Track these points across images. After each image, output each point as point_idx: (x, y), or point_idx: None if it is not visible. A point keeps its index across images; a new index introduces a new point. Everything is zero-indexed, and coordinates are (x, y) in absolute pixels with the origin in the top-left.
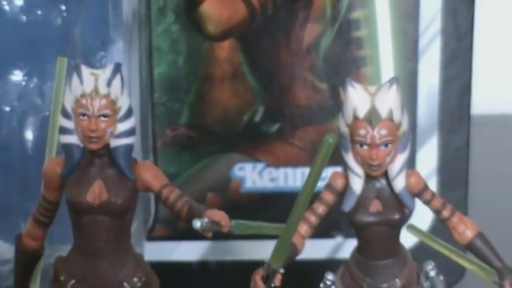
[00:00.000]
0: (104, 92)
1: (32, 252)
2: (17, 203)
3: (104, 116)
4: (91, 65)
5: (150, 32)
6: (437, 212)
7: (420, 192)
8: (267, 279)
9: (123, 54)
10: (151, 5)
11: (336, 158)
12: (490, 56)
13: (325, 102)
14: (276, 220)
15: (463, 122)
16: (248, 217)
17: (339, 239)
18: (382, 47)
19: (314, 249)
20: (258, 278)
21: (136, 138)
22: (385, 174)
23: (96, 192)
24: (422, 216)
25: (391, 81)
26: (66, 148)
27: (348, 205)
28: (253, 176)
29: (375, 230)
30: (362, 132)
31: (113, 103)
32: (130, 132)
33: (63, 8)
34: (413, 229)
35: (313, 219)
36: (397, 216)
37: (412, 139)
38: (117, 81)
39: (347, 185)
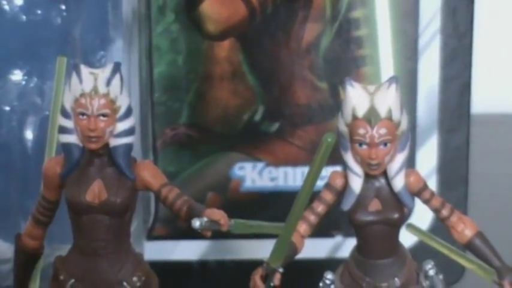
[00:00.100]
0: (103, 92)
1: (31, 251)
2: (17, 203)
3: (103, 115)
4: (90, 64)
5: (150, 31)
6: (436, 211)
7: (419, 191)
8: (267, 278)
9: (122, 54)
10: (151, 5)
11: (335, 158)
12: (490, 55)
13: (325, 102)
14: (276, 219)
15: (463, 121)
16: (248, 216)
17: (338, 238)
18: (382, 46)
19: (313, 249)
20: (257, 277)
21: (136, 137)
22: (385, 174)
23: (95, 191)
24: (421, 215)
25: (390, 81)
26: (66, 147)
27: (347, 204)
28: (253, 175)
29: (374, 229)
30: (361, 131)
31: (112, 102)
32: (129, 132)
33: (63, 7)
34: (413, 228)
35: (312, 218)
36: (396, 216)
37: (411, 138)
38: (116, 81)
39: (346, 184)
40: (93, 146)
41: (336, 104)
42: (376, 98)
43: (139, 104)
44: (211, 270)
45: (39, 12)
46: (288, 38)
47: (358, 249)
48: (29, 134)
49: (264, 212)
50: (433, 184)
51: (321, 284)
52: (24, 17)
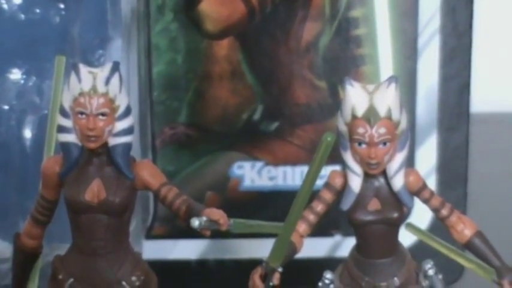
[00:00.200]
0: (102, 91)
1: (30, 251)
2: (16, 202)
3: (102, 114)
4: (89, 63)
5: (149, 30)
6: (436, 210)
7: (419, 190)
8: (266, 277)
9: (121, 53)
10: (150, 3)
11: (335, 157)
12: (489, 55)
13: (324, 101)
14: (275, 219)
15: (462, 120)
16: (247, 216)
17: (337, 237)
18: (381, 46)
19: (312, 248)
20: (256, 276)
21: (135, 136)
22: (384, 173)
23: (94, 191)
24: (421, 214)
25: (390, 80)
26: (65, 147)
27: (347, 204)
28: (252, 174)
29: (373, 228)
30: (360, 130)
31: (111, 101)
32: (128, 131)
33: (62, 6)
34: (412, 228)
35: (311, 217)
36: (395, 215)
37: (411, 137)
38: (115, 80)
39: (345, 184)
40: (92, 145)
41: (335, 103)
42: (376, 98)
43: (138, 103)
44: (210, 270)
45: (37, 11)
46: (287, 37)
47: (357, 248)
48: (27, 133)
49: (263, 211)
50: (432, 183)
51: (320, 284)
52: (22, 16)
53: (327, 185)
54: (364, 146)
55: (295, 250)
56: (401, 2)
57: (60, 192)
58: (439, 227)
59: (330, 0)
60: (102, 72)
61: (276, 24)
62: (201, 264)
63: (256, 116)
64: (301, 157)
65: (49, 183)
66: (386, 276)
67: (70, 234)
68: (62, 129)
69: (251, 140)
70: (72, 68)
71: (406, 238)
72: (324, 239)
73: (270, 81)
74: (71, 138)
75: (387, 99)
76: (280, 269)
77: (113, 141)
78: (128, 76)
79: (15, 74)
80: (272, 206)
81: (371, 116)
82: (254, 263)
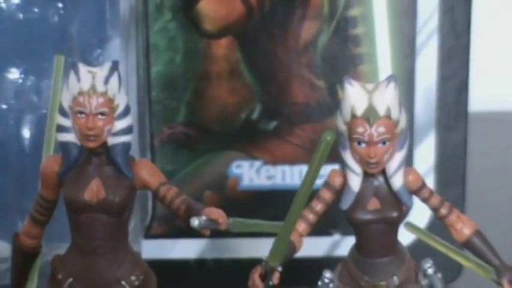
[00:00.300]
0: (101, 90)
1: (29, 250)
2: (14, 201)
3: (101, 114)
4: (88, 62)
5: (147, 29)
6: (435, 209)
7: (418, 189)
8: (265, 277)
9: (120, 52)
10: (148, 3)
11: (334, 156)
12: (487, 54)
13: (322, 100)
14: (274, 218)
15: (461, 119)
16: (245, 215)
17: (336, 236)
18: (380, 45)
19: (312, 247)
20: (256, 276)
21: (134, 136)
22: (383, 172)
23: (93, 190)
24: (419, 213)
25: (389, 79)
26: (64, 146)
27: (346, 203)
28: (251, 173)
29: (372, 227)
30: (360, 130)
31: (110, 101)
32: (127, 130)
33: (60, 5)
34: (411, 227)
35: (311, 217)
36: (395, 214)
37: (409, 137)
38: (114, 79)
39: (345, 183)
40: (91, 144)
41: (333, 103)
42: (375, 97)
43: (136, 102)
44: (209, 269)
45: (36, 10)
46: (285, 37)
47: (356, 247)
48: (26, 133)
49: (261, 210)
50: (430, 182)
51: (319, 283)
52: (21, 15)
53: (326, 184)
54: (363, 145)
55: (294, 249)
56: (400, 1)
57: (59, 192)
58: (438, 226)
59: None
60: (101, 71)
61: (275, 24)
62: (200, 264)
63: (255, 116)
64: (300, 156)
65: (48, 183)
66: (385, 275)
67: (69, 233)
68: (61, 128)
69: (249, 139)
70: (72, 67)
71: (404, 237)
72: (323, 238)
73: (269, 81)
74: (70, 137)
75: (386, 99)
76: (279, 268)
77: (112, 140)
78: (127, 75)
79: (14, 74)
80: (271, 205)
81: (370, 115)
82: (253, 262)
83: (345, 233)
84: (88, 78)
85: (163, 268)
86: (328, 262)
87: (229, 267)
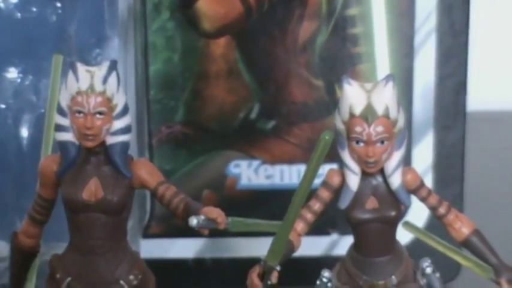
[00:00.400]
0: (99, 90)
1: (27, 250)
2: (13, 201)
3: (100, 113)
4: (86, 62)
5: (146, 29)
6: (433, 209)
7: (416, 189)
8: (264, 276)
9: (118, 52)
10: (146, 2)
11: (332, 155)
12: (486, 53)
13: (321, 99)
14: (272, 217)
15: (459, 118)
16: (244, 214)
17: (334, 236)
18: (378, 44)
19: (310, 247)
20: (254, 275)
21: (132, 135)
22: (381, 171)
23: (92, 189)
24: (418, 213)
25: (387, 78)
26: (62, 146)
27: (344, 202)
28: (249, 173)
29: (371, 227)
30: (358, 129)
31: (108, 100)
32: (126, 130)
33: (58, 5)
34: (410, 226)
35: (309, 216)
36: (393, 213)
37: (407, 136)
38: (113, 79)
39: (343, 182)
40: (89, 144)
41: (332, 102)
42: (373, 96)
43: (135, 102)
44: (208, 268)
45: (34, 9)
46: (284, 36)
47: (355, 247)
48: (24, 132)
49: (260, 209)
50: (428, 182)
51: (318, 282)
52: (19, 15)
53: (325, 184)
54: (361, 144)
55: (293, 249)
56: (398, 0)
57: (57, 191)
58: (436, 225)
59: None
60: (100, 71)
61: (273, 23)
62: (198, 263)
63: (253, 115)
64: (298, 156)
65: (46, 182)
66: (384, 275)
67: (67, 233)
68: (59, 128)
69: (248, 139)
70: (70, 66)
71: (403, 236)
72: (321, 238)
73: (267, 80)
74: (68, 137)
75: (385, 98)
76: (278, 268)
77: (110, 140)
78: (125, 75)
79: (12, 73)
80: (269, 204)
81: (369, 114)
82: (252, 261)
83: (343, 232)
84: (86, 77)
85: (162, 267)
86: (326, 261)
87: (227, 267)
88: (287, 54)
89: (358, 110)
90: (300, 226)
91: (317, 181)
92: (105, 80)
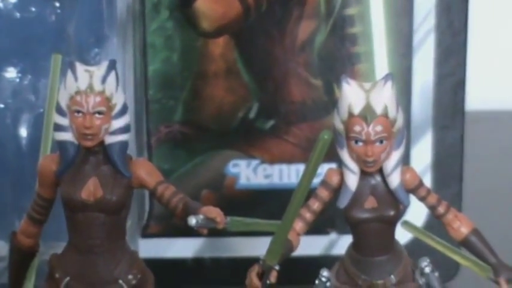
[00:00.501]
0: (98, 89)
1: (26, 249)
2: (12, 201)
3: (99, 113)
4: (85, 62)
5: (144, 28)
6: (432, 208)
7: (415, 188)
8: (263, 275)
9: (117, 51)
10: (145, 2)
11: (331, 155)
12: (484, 52)
13: (319, 99)
14: (271, 217)
15: (457, 118)
16: (243, 214)
17: (333, 235)
18: (376, 44)
19: (309, 246)
20: (253, 274)
21: (131, 135)
22: (380, 171)
23: (91, 189)
24: (416, 212)
25: (386, 78)
26: (61, 145)
27: (343, 202)
28: (248, 172)
29: (370, 226)
30: (357, 128)
31: (107, 100)
32: (125, 129)
33: (57, 4)
34: (408, 225)
35: (308, 215)
36: (392, 213)
37: (406, 136)
38: (111, 78)
39: (342, 182)
40: (88, 143)
41: (330, 101)
42: (372, 95)
43: (133, 101)
44: (207, 268)
45: (33, 9)
46: (282, 35)
47: (354, 246)
48: (23, 132)
49: (259, 209)
50: (427, 181)
51: (317, 282)
52: (18, 14)
53: (324, 183)
54: (360, 144)
55: (291, 248)
56: (397, 0)
57: (56, 191)
58: (435, 224)
59: None
60: (99, 70)
61: (272, 23)
62: (197, 263)
63: (252, 114)
64: (297, 155)
65: (45, 182)
66: (382, 274)
67: (66, 232)
68: (58, 127)
69: (247, 138)
70: (69, 66)
71: (402, 236)
72: (320, 237)
73: (266, 80)
74: (67, 136)
75: (384, 97)
76: (277, 267)
77: (109, 139)
78: (124, 74)
79: (11, 73)
80: (268, 204)
81: (368, 113)
82: (251, 261)
83: (342, 231)
84: (85, 77)
85: (161, 267)
86: (325, 261)
87: (226, 266)
88: (286, 54)
89: (357, 110)
90: (298, 225)
91: (316, 180)
92: (104, 80)
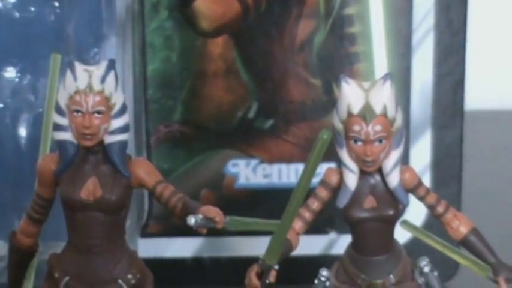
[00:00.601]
0: (97, 89)
1: (26, 249)
2: (11, 200)
3: (98, 112)
4: (84, 61)
5: (144, 28)
6: (431, 207)
7: (415, 188)
8: (262, 275)
9: (116, 51)
10: (144, 1)
11: (330, 154)
12: (484, 52)
13: (318, 98)
14: (270, 216)
15: (457, 118)
16: (242, 213)
17: (332, 235)
18: (376, 43)
19: (308, 245)
20: (252, 274)
21: (130, 134)
22: (380, 170)
23: (90, 189)
24: (416, 211)
25: (385, 77)
26: (60, 145)
27: (342, 201)
28: (247, 172)
29: (369, 225)
30: (356, 128)
31: (106, 99)
32: (124, 129)
33: (56, 4)
34: (408, 225)
35: (307, 215)
36: (391, 212)
37: (405, 135)
38: (111, 78)
39: (341, 181)
40: (87, 143)
41: (329, 101)
42: (371, 95)
43: (133, 101)
44: (206, 268)
45: (32, 9)
46: (281, 35)
47: (353, 246)
48: (22, 131)
49: (258, 208)
50: (426, 181)
51: (316, 281)
52: (17, 14)
53: (323, 183)
54: (359, 143)
55: (291, 247)
56: None
57: (56, 191)
58: (434, 224)
59: None
60: (98, 70)
61: (271, 22)
62: (196, 262)
63: (251, 114)
64: (296, 155)
65: (45, 182)
66: (382, 274)
67: (66, 232)
68: (57, 127)
69: (246, 138)
70: (68, 66)
71: (401, 235)
72: (319, 237)
73: (265, 79)
74: (66, 136)
75: (383, 97)
76: (276, 267)
77: (108, 139)
78: (123, 74)
79: (10, 72)
80: (267, 203)
81: (367, 113)
82: (250, 260)
83: (341, 231)
84: (84, 76)
85: (160, 267)
86: (324, 260)
87: (226, 266)
88: (285, 54)
89: (356, 109)
90: (298, 225)
91: (315, 180)
92: (103, 79)
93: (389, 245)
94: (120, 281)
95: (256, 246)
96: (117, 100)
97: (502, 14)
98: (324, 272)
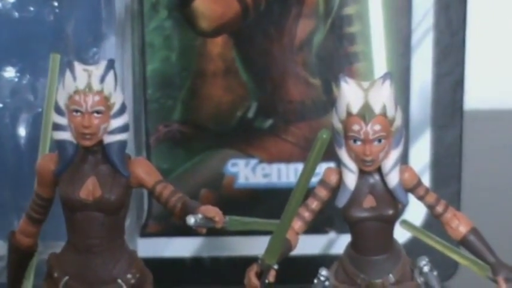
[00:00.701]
0: (97, 89)
1: (25, 249)
2: (10, 200)
3: (97, 112)
4: (84, 61)
5: (143, 28)
6: (431, 207)
7: (414, 187)
8: (261, 275)
9: (115, 51)
10: (143, 1)
11: (330, 154)
12: (483, 52)
13: (318, 98)
14: (270, 216)
15: (456, 117)
16: (242, 213)
17: (331, 234)
18: (375, 43)
19: (307, 245)
20: (252, 274)
21: (129, 134)
22: (379, 170)
23: (89, 188)
24: (415, 211)
25: (384, 77)
26: (60, 145)
27: (342, 201)
28: (247, 172)
29: (368, 225)
30: (355, 127)
31: (106, 99)
32: (123, 129)
33: (56, 4)
34: (407, 225)
35: (307, 215)
36: (390, 212)
37: (404, 135)
38: (110, 78)
39: (340, 181)
40: (87, 143)
41: (329, 101)
42: (371, 94)
43: (132, 101)
44: (205, 267)
45: (31, 9)
46: (281, 35)
47: (352, 245)
48: (22, 131)
49: (257, 208)
50: (426, 181)
51: (315, 281)
52: (16, 14)
53: (322, 182)
54: (359, 143)
55: (290, 247)
56: None
57: (55, 190)
58: (434, 223)
59: None
60: (97, 70)
61: (270, 22)
62: (196, 262)
63: (250, 114)
64: (295, 154)
65: (44, 181)
66: (381, 273)
67: (65, 232)
68: (57, 127)
69: (245, 138)
70: (67, 65)
71: (401, 235)
72: (319, 236)
73: (264, 79)
74: (66, 136)
75: (382, 96)
76: (275, 266)
77: (108, 139)
78: (122, 74)
79: (9, 72)
80: (267, 203)
81: (366, 112)
82: (249, 260)
83: (341, 231)
84: (84, 76)
85: (160, 266)
86: (324, 260)
87: (225, 266)
88: (284, 53)
89: (355, 109)
90: (297, 225)
91: (314, 180)
92: (102, 79)
93: (388, 244)
94: (119, 281)
95: (256, 246)
96: (117, 100)
97: (502, 13)
98: (324, 272)
